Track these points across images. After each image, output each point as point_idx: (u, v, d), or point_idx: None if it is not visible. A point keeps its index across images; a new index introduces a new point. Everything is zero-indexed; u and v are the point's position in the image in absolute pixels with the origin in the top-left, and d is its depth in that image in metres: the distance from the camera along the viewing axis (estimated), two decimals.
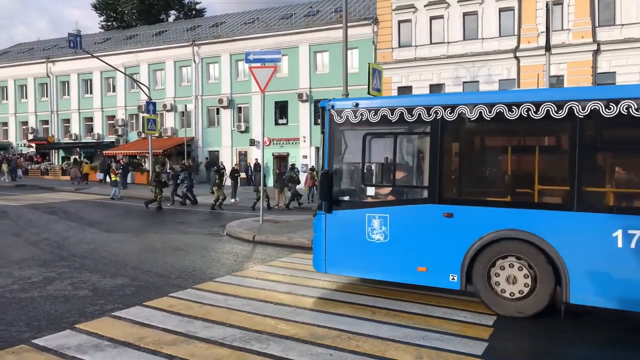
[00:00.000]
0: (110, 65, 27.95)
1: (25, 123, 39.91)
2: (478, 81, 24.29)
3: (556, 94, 6.05)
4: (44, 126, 39.27)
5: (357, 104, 6.84)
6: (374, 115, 6.69)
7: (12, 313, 5.75)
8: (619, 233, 5.39)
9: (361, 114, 6.77)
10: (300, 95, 28.46)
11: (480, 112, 6.09)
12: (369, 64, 13.94)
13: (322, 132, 7.06)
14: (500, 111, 5.98)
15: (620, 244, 5.37)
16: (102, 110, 36.26)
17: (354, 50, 26.30)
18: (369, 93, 13.06)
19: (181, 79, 33.61)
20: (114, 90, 35.94)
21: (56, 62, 37.87)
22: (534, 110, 5.82)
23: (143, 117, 24.59)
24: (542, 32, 21.67)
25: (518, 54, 23.52)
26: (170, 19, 49.07)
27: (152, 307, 6.01)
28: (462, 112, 6.18)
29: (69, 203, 19.10)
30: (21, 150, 39.15)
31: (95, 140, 36.03)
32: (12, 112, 40.33)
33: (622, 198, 5.81)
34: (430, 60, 25.37)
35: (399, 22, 26.36)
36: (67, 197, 21.84)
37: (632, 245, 5.32)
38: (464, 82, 24.63)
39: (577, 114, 5.62)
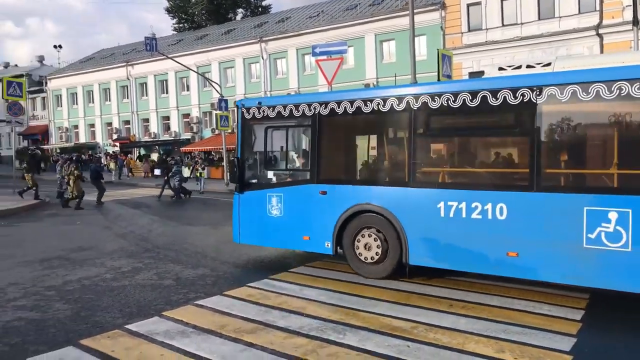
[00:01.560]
0: (184, 66, 29.15)
1: (110, 124, 42.67)
2: None
3: (397, 91, 7.08)
4: (126, 126, 41.79)
5: (260, 103, 8.06)
6: (272, 112, 7.87)
7: (106, 300, 6.19)
8: (441, 204, 6.36)
9: (263, 111, 7.96)
10: (367, 86, 28.24)
11: (345, 107, 7.20)
12: (437, 50, 13.60)
13: (236, 127, 8.28)
14: (359, 106, 7.08)
15: (442, 214, 6.35)
16: (177, 109, 37.98)
17: (421, 37, 25.68)
18: (438, 79, 12.72)
19: (250, 76, 34.46)
20: (188, 90, 37.52)
21: (135, 65, 40.09)
22: (382, 104, 6.89)
23: (216, 114, 25.46)
24: (627, 6, 20.06)
25: (601, 31, 21.93)
26: (238, 17, 50.34)
27: (231, 297, 6.25)
28: (332, 107, 7.30)
29: (151, 198, 20.19)
30: (106, 149, 41.87)
31: (172, 138, 37.83)
32: (98, 114, 43.26)
33: (443, 175, 6.89)
34: (502, 43, 24.28)
35: (468, 5, 25.42)
36: (149, 192, 23.09)
37: (451, 215, 6.29)
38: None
39: (412, 106, 6.65)
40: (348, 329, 5.05)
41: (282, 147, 7.98)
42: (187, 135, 37.23)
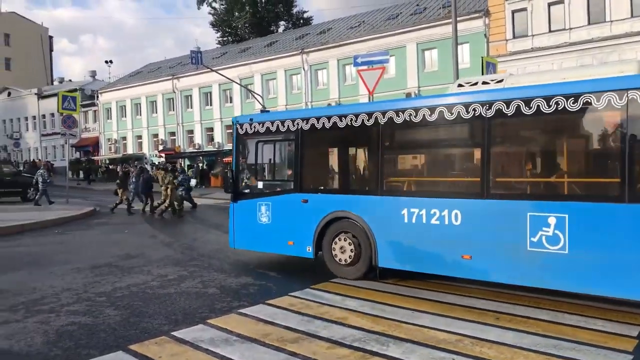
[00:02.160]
0: (227, 78, 29.84)
1: (156, 135, 44.03)
2: None
3: (365, 107, 7.82)
4: (171, 137, 43.03)
5: (251, 119, 8.77)
6: (262, 127, 8.52)
7: (153, 307, 6.35)
8: (405, 211, 6.84)
9: (254, 127, 8.63)
10: (408, 95, 28.06)
11: (323, 123, 7.77)
12: (482, 57, 13.38)
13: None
14: (335, 122, 7.65)
15: (406, 220, 6.84)
16: (221, 121, 38.81)
17: (464, 45, 25.31)
18: None
19: (292, 87, 34.89)
20: (231, 101, 38.32)
21: (180, 78, 41.33)
22: (354, 119, 7.44)
23: None
24: None
25: None
26: (280, 30, 51.17)
27: (274, 306, 6.28)
28: (312, 123, 7.89)
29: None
30: (152, 160, 43.20)
31: (215, 149, 38.65)
32: (145, 126, 44.76)
33: (406, 184, 7.49)
34: (549, 50, 23.64)
35: (513, 11, 24.94)
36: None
37: (413, 221, 6.77)
38: None
39: (379, 122, 7.17)
40: (391, 341, 4.98)
41: (270, 160, 8.68)
42: (229, 146, 37.89)
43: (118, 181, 19.17)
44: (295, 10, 53.48)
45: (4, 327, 5.61)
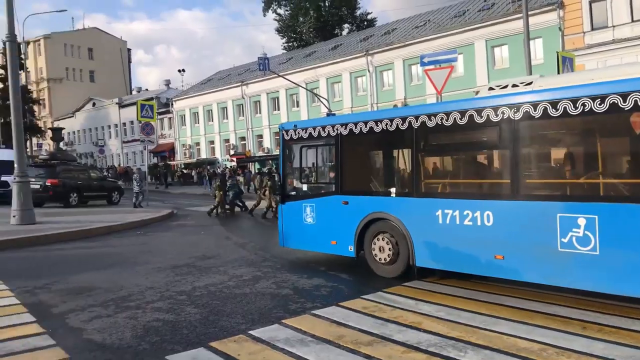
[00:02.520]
0: (294, 83, 30.36)
1: (227, 140, 45.65)
2: None
3: (399, 112, 8.32)
4: (241, 142, 44.43)
5: (295, 125, 9.30)
6: (305, 133, 9.02)
7: (230, 306, 6.57)
8: (439, 212, 7.03)
9: (298, 132, 9.14)
10: (476, 94, 27.20)
11: (360, 128, 8.12)
12: (557, 52, 12.74)
13: (278, 147, 9.53)
14: (371, 126, 7.97)
15: (440, 221, 7.04)
16: None
17: (536, 39, 24.26)
18: None
19: (357, 89, 34.91)
20: (297, 106, 38.97)
21: (249, 84, 42.58)
22: (389, 124, 7.70)
23: None
24: None
25: None
26: (344, 33, 51.34)
27: (346, 308, 6.30)
28: (351, 128, 8.28)
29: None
30: (225, 164, 44.75)
31: None
32: (217, 132, 46.52)
33: (441, 186, 7.69)
34: (633, 41, 22.11)
35: (590, 2, 23.55)
36: (263, 204, 24.17)
37: (447, 221, 6.96)
38: None
39: (413, 126, 7.41)
40: (469, 347, 4.85)
41: (313, 163, 9.16)
42: None
43: (218, 183, 19.76)
44: (358, 12, 53.67)
45: (97, 321, 6.03)
